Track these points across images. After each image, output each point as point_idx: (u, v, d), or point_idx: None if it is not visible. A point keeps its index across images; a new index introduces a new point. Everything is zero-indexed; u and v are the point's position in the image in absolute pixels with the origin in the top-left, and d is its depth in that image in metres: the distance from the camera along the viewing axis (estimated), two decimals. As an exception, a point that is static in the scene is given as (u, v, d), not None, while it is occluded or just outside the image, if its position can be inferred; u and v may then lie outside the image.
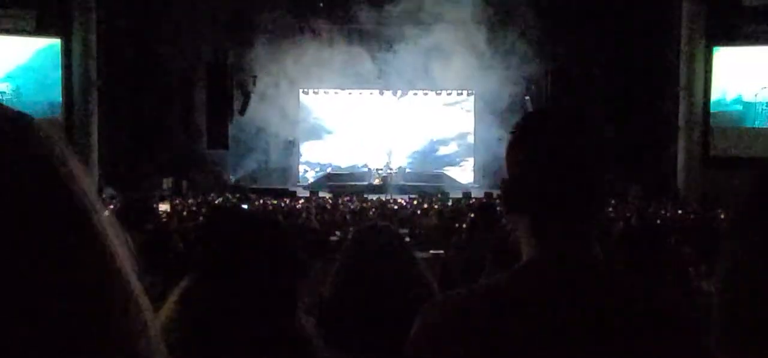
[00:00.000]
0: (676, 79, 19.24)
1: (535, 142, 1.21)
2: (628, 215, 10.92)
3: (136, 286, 0.61)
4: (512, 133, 1.25)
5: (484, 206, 5.63)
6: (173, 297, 1.58)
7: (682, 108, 19.09)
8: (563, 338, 1.09)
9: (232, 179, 22.74)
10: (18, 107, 0.61)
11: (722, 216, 10.58)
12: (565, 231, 1.17)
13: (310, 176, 24.39)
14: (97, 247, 0.58)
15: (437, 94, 23.91)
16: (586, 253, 1.17)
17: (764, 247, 0.71)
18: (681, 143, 19.18)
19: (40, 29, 18.47)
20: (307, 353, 1.66)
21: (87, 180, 0.60)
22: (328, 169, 24.26)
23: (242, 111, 22.86)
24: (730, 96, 19.22)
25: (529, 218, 1.20)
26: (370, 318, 2.06)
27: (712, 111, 19.19)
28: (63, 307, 0.54)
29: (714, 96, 19.14)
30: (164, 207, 12.25)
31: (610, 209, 11.49)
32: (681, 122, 19.15)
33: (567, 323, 1.10)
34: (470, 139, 24.42)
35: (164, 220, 9.38)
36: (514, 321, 1.11)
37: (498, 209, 5.54)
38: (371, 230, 2.39)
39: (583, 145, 1.20)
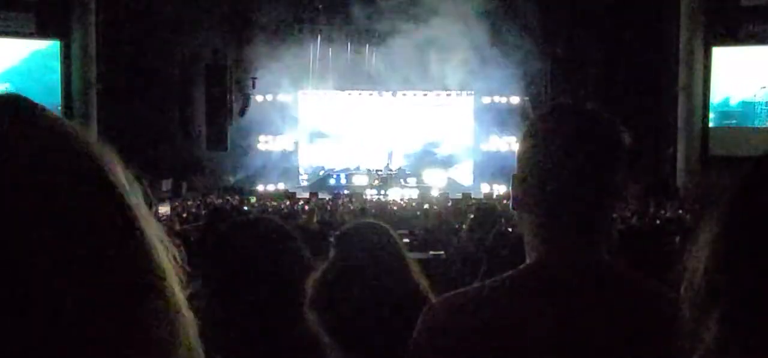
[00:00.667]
0: (675, 79, 19.23)
1: (551, 141, 1.18)
2: (628, 215, 10.91)
3: (177, 289, 0.62)
4: (528, 127, 1.24)
5: (484, 207, 5.63)
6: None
7: (682, 108, 19.08)
8: (569, 340, 1.08)
9: (232, 180, 22.72)
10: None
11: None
12: (573, 233, 1.15)
13: (305, 180, 24.27)
14: (143, 247, 0.59)
15: (437, 94, 23.88)
16: (593, 255, 1.16)
17: (748, 243, 0.68)
18: (680, 143, 19.17)
19: (39, 31, 18.47)
20: (315, 349, 1.67)
21: (125, 182, 0.61)
22: (321, 172, 24.21)
23: (242, 113, 22.86)
24: (729, 96, 19.21)
25: (538, 217, 1.18)
26: (353, 315, 2.05)
27: (711, 111, 19.19)
28: (109, 307, 0.55)
29: (713, 96, 19.14)
30: (164, 209, 12.22)
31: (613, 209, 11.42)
32: (680, 122, 19.14)
33: (573, 326, 1.09)
34: (469, 139, 24.39)
35: (164, 222, 9.36)
36: (520, 323, 1.10)
37: (497, 209, 5.54)
38: (357, 227, 2.37)
39: (598, 146, 1.17)
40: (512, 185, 1.23)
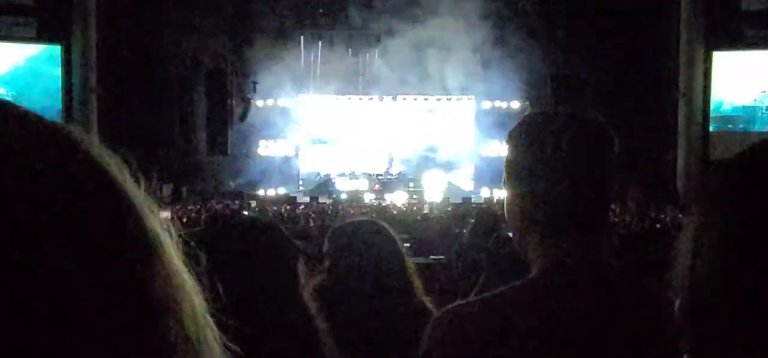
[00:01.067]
0: (675, 83, 19.23)
1: (547, 149, 1.15)
2: (628, 218, 10.92)
3: (191, 283, 0.62)
4: (516, 139, 1.20)
5: (484, 212, 5.63)
6: None
7: (682, 112, 19.08)
8: (576, 343, 1.08)
9: (232, 185, 22.71)
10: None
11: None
12: (578, 241, 1.15)
13: (303, 185, 24.22)
14: (155, 246, 0.59)
15: (437, 99, 23.89)
16: (599, 261, 1.15)
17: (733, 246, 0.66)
18: (681, 147, 19.17)
19: (40, 36, 18.49)
20: (310, 327, 1.70)
21: (130, 180, 0.60)
22: (317, 179, 24.18)
23: (243, 117, 22.86)
24: (729, 100, 19.21)
25: (539, 225, 1.17)
26: (353, 319, 2.04)
27: (711, 115, 19.19)
28: (124, 306, 0.54)
29: (713, 100, 19.14)
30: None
31: (610, 213, 11.42)
32: (681, 126, 19.14)
33: (580, 330, 1.08)
34: (470, 144, 24.37)
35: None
36: (530, 333, 1.09)
37: (497, 214, 5.53)
38: (355, 227, 2.35)
39: (597, 150, 1.17)
40: (506, 198, 1.21)
